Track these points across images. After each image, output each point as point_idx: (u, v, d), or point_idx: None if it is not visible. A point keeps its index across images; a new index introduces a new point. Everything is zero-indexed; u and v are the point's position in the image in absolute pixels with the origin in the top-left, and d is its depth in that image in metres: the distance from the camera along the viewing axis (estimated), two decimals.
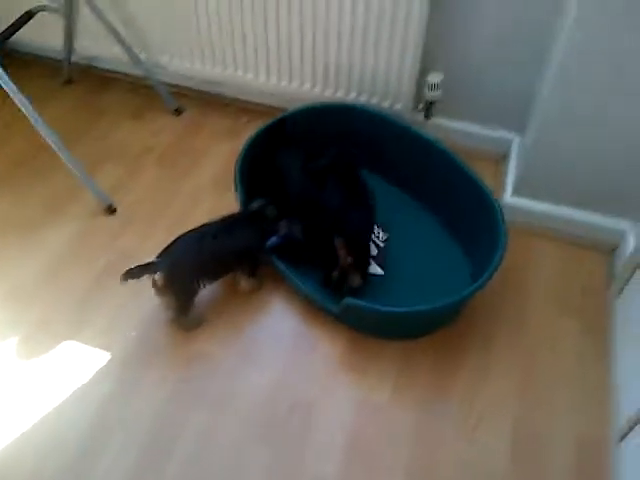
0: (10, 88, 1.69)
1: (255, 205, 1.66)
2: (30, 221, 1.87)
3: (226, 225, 1.59)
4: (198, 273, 1.54)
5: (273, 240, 1.64)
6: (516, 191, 1.85)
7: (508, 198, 1.86)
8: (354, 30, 1.82)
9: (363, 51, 1.86)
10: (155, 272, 1.47)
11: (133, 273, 1.45)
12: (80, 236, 1.84)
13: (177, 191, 1.96)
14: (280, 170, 1.80)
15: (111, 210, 1.89)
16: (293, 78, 2.00)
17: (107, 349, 1.58)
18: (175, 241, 1.54)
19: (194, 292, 1.55)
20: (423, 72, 1.89)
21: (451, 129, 2.04)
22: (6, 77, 1.67)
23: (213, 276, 1.59)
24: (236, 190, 1.71)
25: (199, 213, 1.82)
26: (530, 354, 1.61)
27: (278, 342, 1.62)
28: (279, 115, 1.90)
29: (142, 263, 1.47)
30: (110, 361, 1.56)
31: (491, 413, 1.50)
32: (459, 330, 1.65)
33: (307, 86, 2.00)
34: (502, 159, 2.03)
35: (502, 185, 1.92)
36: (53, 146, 1.76)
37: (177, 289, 1.51)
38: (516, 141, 1.98)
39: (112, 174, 2.00)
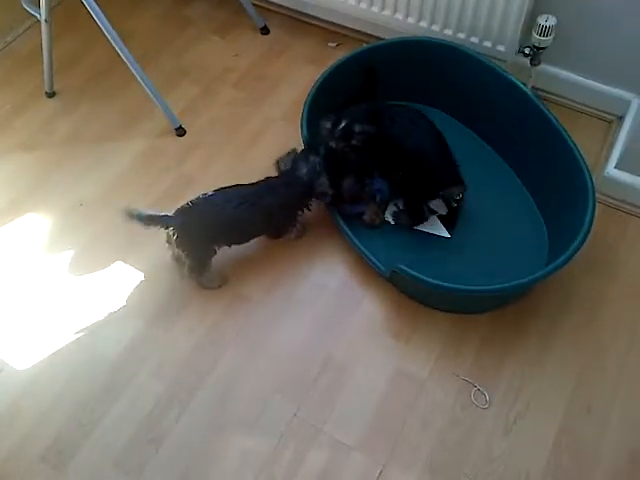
0: (89, 3, 1.63)
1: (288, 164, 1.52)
2: (101, 135, 1.86)
3: (255, 193, 1.47)
4: (213, 238, 1.47)
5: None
6: (621, 163, 1.60)
7: (610, 170, 1.63)
8: None
9: None
10: (166, 227, 1.41)
11: (142, 218, 1.39)
12: (147, 155, 1.82)
13: (248, 119, 1.88)
14: None
15: (180, 132, 1.85)
16: (386, 5, 1.80)
17: (154, 275, 1.59)
18: (198, 199, 1.45)
19: (209, 255, 1.48)
20: (533, 13, 1.63)
21: (559, 79, 1.79)
22: None
23: (233, 241, 1.51)
24: (301, 132, 1.60)
25: (262, 147, 1.74)
26: (597, 351, 1.45)
27: (321, 294, 1.55)
28: (361, 48, 1.74)
29: (157, 213, 1.41)
30: (154, 288, 1.57)
31: (537, 408, 1.38)
32: (521, 307, 1.51)
33: (399, 15, 1.79)
34: (616, 123, 1.76)
35: (607, 154, 1.67)
36: (126, 62, 1.71)
37: (189, 249, 1.45)
38: (635, 105, 1.69)
39: (187, 93, 1.94)
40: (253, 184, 1.51)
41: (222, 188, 1.49)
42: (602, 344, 1.46)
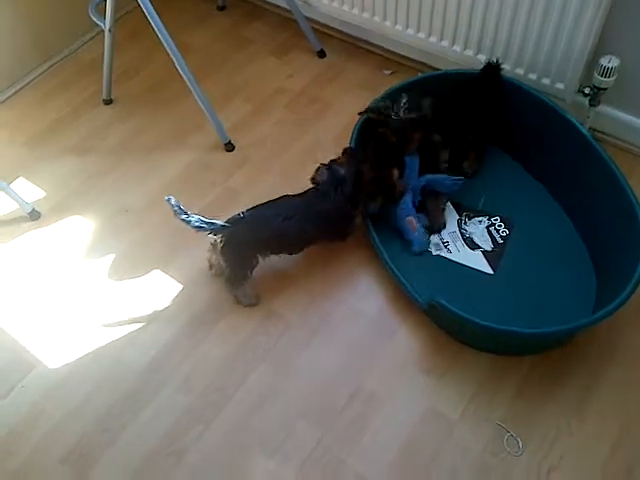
0: (152, 17, 1.67)
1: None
2: (152, 145, 1.90)
3: (305, 202, 1.48)
4: (259, 249, 1.47)
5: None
6: None
7: None
8: None
9: (529, 18, 1.59)
10: (214, 233, 1.42)
11: (192, 223, 1.40)
12: (195, 167, 1.84)
13: (297, 140, 1.88)
14: None
15: (229, 147, 1.86)
16: (444, 36, 1.79)
17: (192, 286, 1.59)
18: (248, 211, 1.47)
19: (249, 266, 1.48)
20: (596, 53, 1.59)
21: (619, 121, 1.73)
22: (150, 7, 1.65)
23: (283, 252, 1.52)
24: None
25: (310, 168, 1.72)
26: None
27: (356, 321, 1.52)
28: (415, 77, 1.73)
29: (207, 219, 1.42)
30: (190, 299, 1.57)
31: (572, 463, 1.30)
32: (565, 352, 1.44)
33: (457, 47, 1.78)
34: None
35: None
36: (184, 76, 1.74)
37: (232, 259, 1.45)
38: None
39: (239, 110, 1.96)
40: (302, 194, 1.51)
41: (271, 200, 1.50)
42: None
